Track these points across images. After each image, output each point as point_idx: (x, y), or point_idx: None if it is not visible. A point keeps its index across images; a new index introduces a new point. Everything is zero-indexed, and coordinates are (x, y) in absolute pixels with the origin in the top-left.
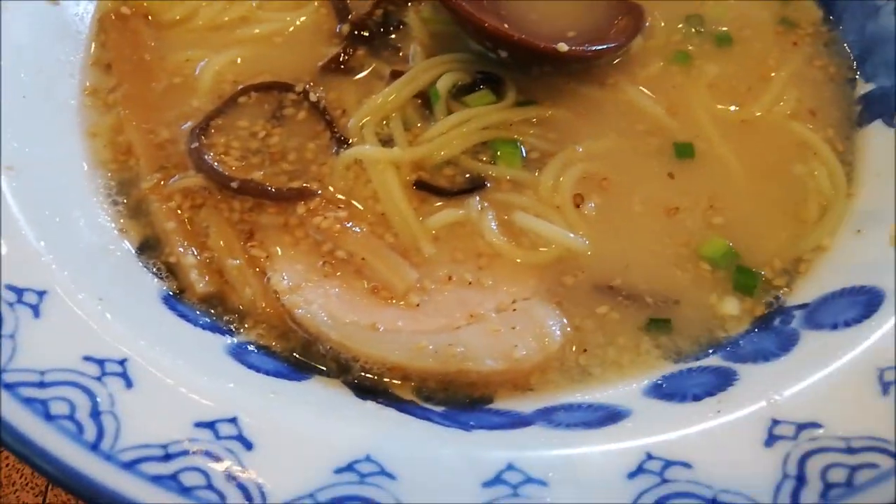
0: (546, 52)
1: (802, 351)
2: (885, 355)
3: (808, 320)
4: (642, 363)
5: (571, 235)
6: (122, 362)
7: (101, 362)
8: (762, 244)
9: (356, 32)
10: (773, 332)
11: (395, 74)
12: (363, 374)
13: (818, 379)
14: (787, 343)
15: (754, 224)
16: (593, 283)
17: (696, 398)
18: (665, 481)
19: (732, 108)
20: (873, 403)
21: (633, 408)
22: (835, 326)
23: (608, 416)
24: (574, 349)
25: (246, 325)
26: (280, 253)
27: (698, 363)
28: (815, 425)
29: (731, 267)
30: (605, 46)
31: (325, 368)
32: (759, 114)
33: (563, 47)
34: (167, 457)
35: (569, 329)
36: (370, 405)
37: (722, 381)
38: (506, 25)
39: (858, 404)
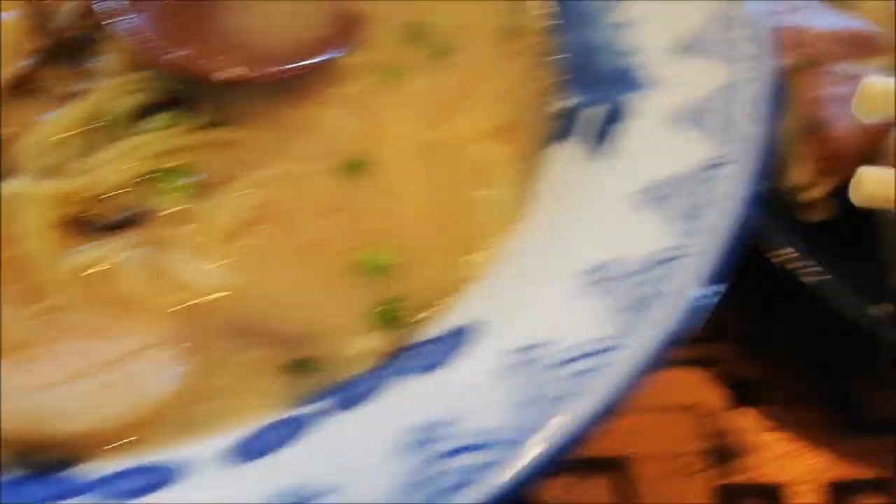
0: (219, 81)
1: (372, 405)
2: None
3: (399, 366)
4: (259, 409)
5: (217, 274)
6: None
7: None
8: (418, 276)
9: (46, 49)
10: (374, 377)
11: (73, 95)
12: None
13: (352, 439)
14: (367, 392)
15: (417, 255)
16: (232, 324)
17: (262, 454)
18: None
19: (431, 127)
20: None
21: (196, 470)
22: (411, 372)
23: (158, 483)
24: (189, 398)
25: None
26: None
27: (307, 409)
28: None
29: (379, 293)
30: (303, 63)
31: None
32: (455, 133)
33: (238, 72)
34: None
35: (188, 376)
36: None
37: (287, 435)
38: (173, 52)
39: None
